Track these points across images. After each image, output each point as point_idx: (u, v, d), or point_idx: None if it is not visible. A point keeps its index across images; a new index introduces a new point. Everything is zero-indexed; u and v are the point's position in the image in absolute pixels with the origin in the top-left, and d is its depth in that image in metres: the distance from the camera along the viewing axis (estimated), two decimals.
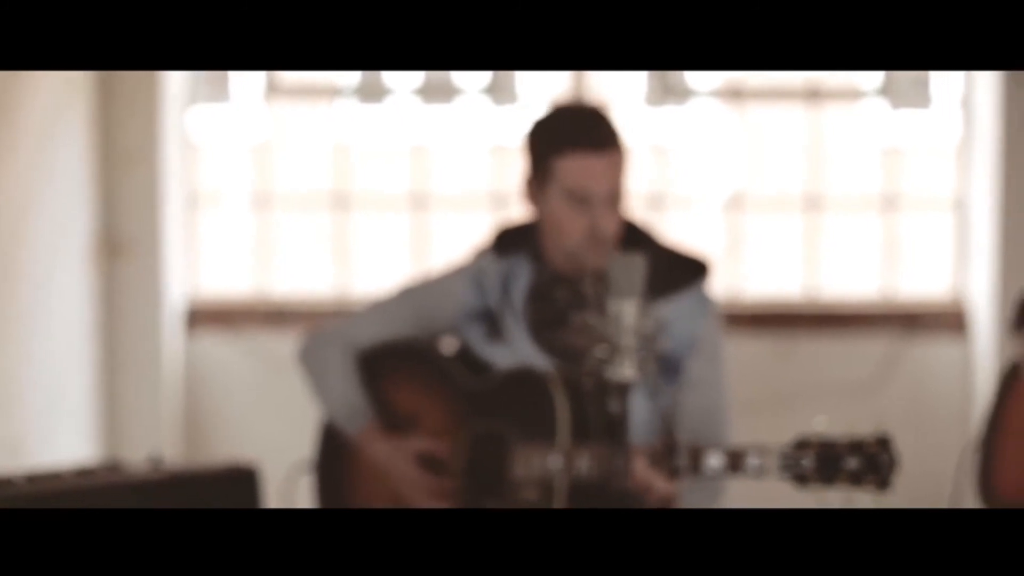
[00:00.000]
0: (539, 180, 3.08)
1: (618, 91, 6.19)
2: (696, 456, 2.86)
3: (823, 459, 2.77)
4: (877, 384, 5.77)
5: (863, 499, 2.85)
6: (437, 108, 6.15)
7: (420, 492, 3.11)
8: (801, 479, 2.78)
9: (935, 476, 5.21)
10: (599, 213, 3.03)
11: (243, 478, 3.29)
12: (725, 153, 6.13)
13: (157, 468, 3.30)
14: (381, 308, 3.22)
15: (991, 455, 3.85)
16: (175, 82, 5.72)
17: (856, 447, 2.78)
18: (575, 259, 3.09)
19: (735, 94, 6.10)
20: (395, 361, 3.18)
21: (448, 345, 3.21)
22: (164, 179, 5.66)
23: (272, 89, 6.07)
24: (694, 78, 6.21)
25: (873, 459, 2.78)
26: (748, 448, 2.84)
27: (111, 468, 3.33)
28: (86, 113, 5.42)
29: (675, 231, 5.88)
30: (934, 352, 5.78)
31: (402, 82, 6.13)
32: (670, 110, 6.22)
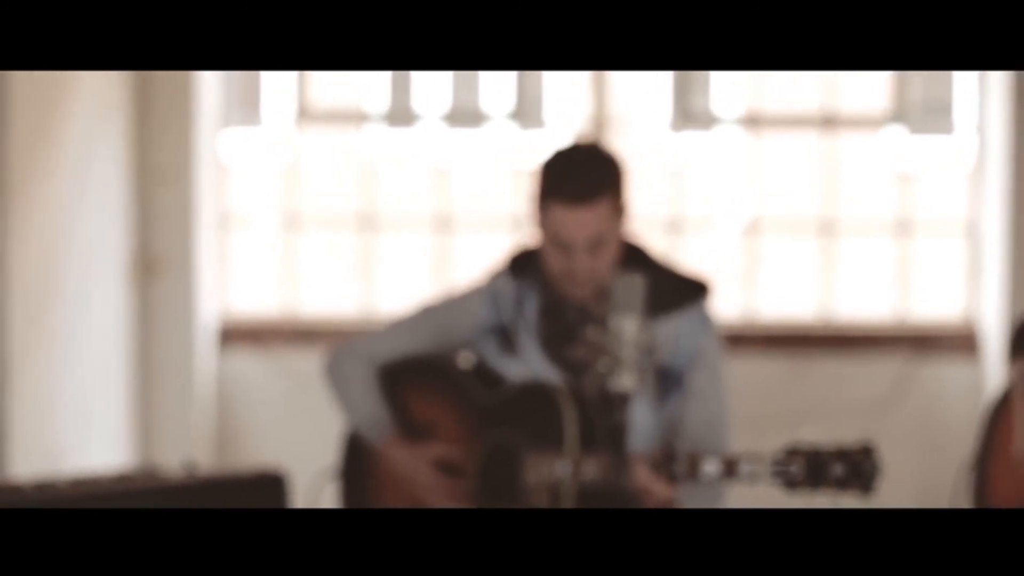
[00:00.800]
0: (537, 219, 3.35)
1: (640, 116, 6.43)
2: (694, 462, 3.10)
3: (811, 466, 3.02)
4: (889, 404, 5.99)
5: (848, 504, 3.08)
6: (463, 132, 6.40)
7: (438, 497, 3.36)
8: (790, 484, 3.03)
9: (945, 495, 5.42)
10: (577, 258, 3.30)
11: (272, 484, 3.54)
12: (743, 178, 6.37)
13: (191, 474, 3.55)
14: (401, 325, 3.48)
15: (984, 475, 4.05)
16: (208, 104, 5.99)
17: (842, 455, 3.03)
18: (570, 291, 3.35)
19: (754, 121, 6.34)
20: (415, 375, 3.44)
21: (464, 360, 3.46)
22: (197, 200, 5.93)
23: (303, 113, 6.33)
24: (716, 105, 6.44)
25: (857, 466, 3.02)
26: (742, 455, 3.09)
27: (148, 473, 3.58)
28: (122, 135, 5.69)
29: (693, 254, 6.12)
30: (946, 374, 5.98)
31: (430, 107, 6.39)
32: (691, 136, 6.45)
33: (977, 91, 6.13)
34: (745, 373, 5.79)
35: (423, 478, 3.36)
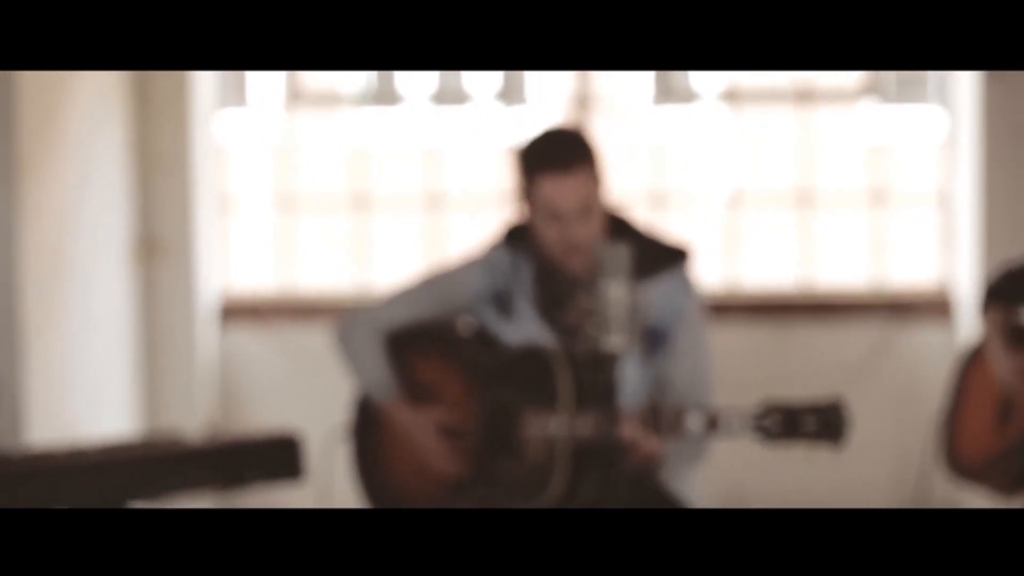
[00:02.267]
0: (525, 196, 3.71)
1: (622, 93, 6.77)
2: (679, 417, 3.47)
3: (785, 420, 3.39)
4: (868, 368, 6.35)
5: (821, 454, 3.45)
6: (450, 112, 6.72)
7: (441, 455, 3.72)
8: (767, 437, 3.39)
9: (919, 452, 5.77)
10: (570, 225, 3.64)
11: (287, 446, 3.89)
12: (724, 153, 6.71)
13: (212, 438, 3.90)
14: (405, 295, 3.83)
15: (953, 428, 4.42)
16: (204, 90, 6.32)
17: (813, 410, 3.40)
18: (560, 259, 3.70)
19: (733, 96, 6.68)
20: (418, 341, 3.79)
21: (465, 326, 3.82)
22: (196, 183, 6.27)
23: (293, 96, 6.66)
24: (696, 81, 6.77)
25: (828, 420, 3.39)
26: (722, 410, 3.45)
27: (170, 438, 3.93)
28: (122, 123, 6.02)
29: (676, 226, 6.47)
30: (921, 338, 6.33)
31: (415, 88, 6.71)
32: (672, 111, 6.79)
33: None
34: (728, 340, 6.15)
35: (427, 438, 3.72)
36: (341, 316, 3.91)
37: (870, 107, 6.64)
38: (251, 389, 6.32)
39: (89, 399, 5.65)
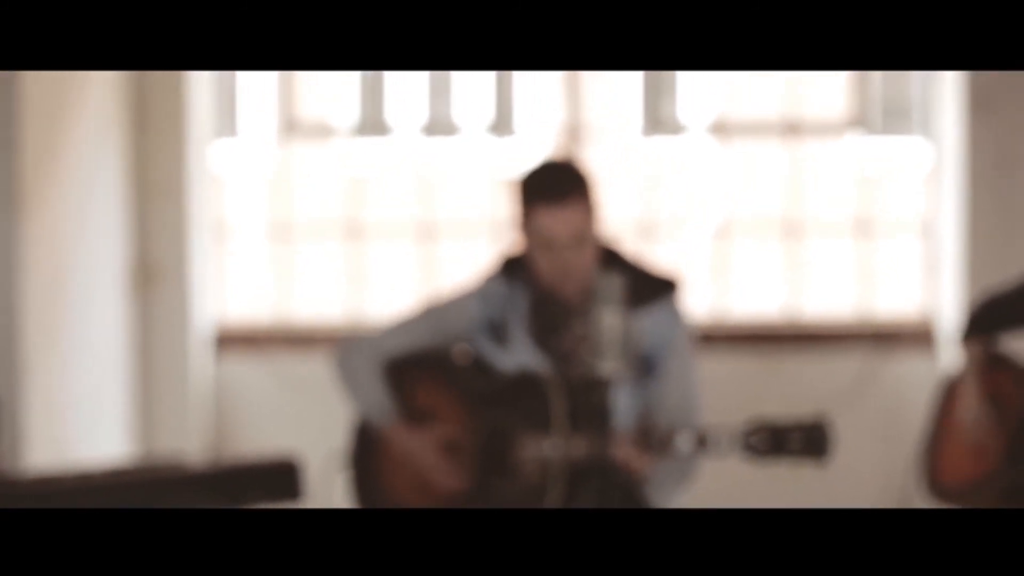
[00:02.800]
0: (522, 225, 3.87)
1: (611, 124, 6.93)
2: (669, 437, 3.62)
3: (772, 438, 3.54)
4: (853, 396, 6.50)
5: (807, 479, 3.60)
6: (440, 142, 6.88)
7: (440, 476, 3.86)
8: (754, 454, 3.54)
9: (902, 476, 5.92)
10: (565, 254, 3.80)
11: (286, 468, 4.01)
12: (712, 183, 6.87)
13: (212, 461, 4.02)
14: (404, 323, 3.98)
15: (935, 452, 4.57)
16: (199, 119, 6.47)
17: (798, 427, 3.55)
18: (556, 288, 3.85)
19: (721, 128, 6.84)
20: (417, 368, 3.93)
21: (461, 353, 3.96)
22: (192, 211, 6.42)
23: (286, 126, 6.81)
24: (684, 112, 6.93)
25: (812, 437, 3.55)
26: (711, 429, 3.61)
27: (172, 462, 4.05)
28: (120, 153, 6.17)
29: (665, 256, 6.63)
30: (905, 367, 6.48)
31: (406, 119, 6.86)
32: (661, 143, 6.95)
33: (933, 95, 6.63)
34: (716, 369, 6.29)
35: (427, 460, 3.86)
36: (340, 343, 4.05)
37: (856, 139, 6.81)
38: (246, 416, 6.45)
39: (86, 424, 5.78)
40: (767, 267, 6.81)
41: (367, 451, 3.96)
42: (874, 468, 6.26)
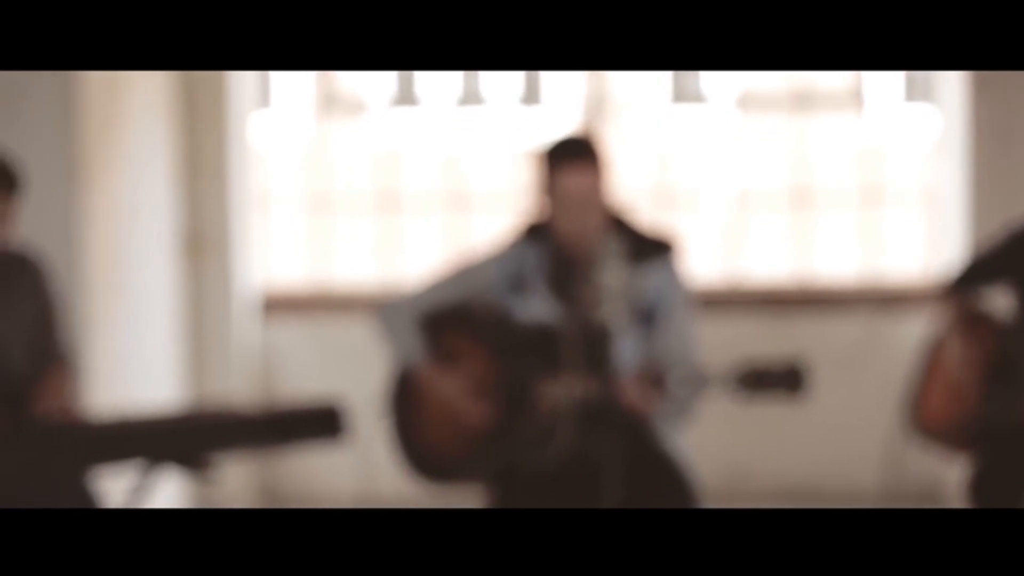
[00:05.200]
0: (545, 189, 4.57)
1: (636, 95, 7.56)
2: (668, 376, 4.35)
3: (755, 376, 4.29)
4: (860, 356, 7.14)
5: (781, 404, 4.31)
6: (470, 115, 7.53)
7: (466, 415, 4.54)
8: (740, 391, 4.28)
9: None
10: (580, 213, 4.51)
11: (329, 413, 4.66)
12: (730, 153, 7.51)
13: (261, 406, 4.69)
14: (438, 282, 4.68)
15: (920, 400, 5.22)
16: (241, 96, 7.15)
17: (777, 367, 4.28)
18: (573, 243, 4.55)
19: (740, 100, 7.47)
20: (448, 320, 4.64)
21: (487, 306, 4.65)
22: (235, 184, 7.11)
23: (324, 99, 7.48)
24: (706, 85, 7.57)
25: (789, 375, 4.28)
26: (704, 370, 4.31)
27: (225, 408, 4.70)
28: (170, 129, 6.86)
29: (682, 223, 7.27)
30: (910, 329, 7.10)
31: (437, 91, 7.51)
32: (683, 114, 7.59)
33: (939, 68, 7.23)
34: (729, 331, 6.94)
35: (455, 400, 4.55)
36: (382, 303, 4.75)
37: (863, 109, 7.43)
38: (289, 375, 7.16)
39: (141, 379, 6.48)
40: (778, 234, 7.45)
41: (404, 394, 4.65)
42: (878, 423, 6.88)
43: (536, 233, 4.64)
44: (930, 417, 5.18)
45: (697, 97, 7.54)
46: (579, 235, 4.52)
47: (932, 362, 5.21)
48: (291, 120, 7.48)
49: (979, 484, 4.97)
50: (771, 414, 7.09)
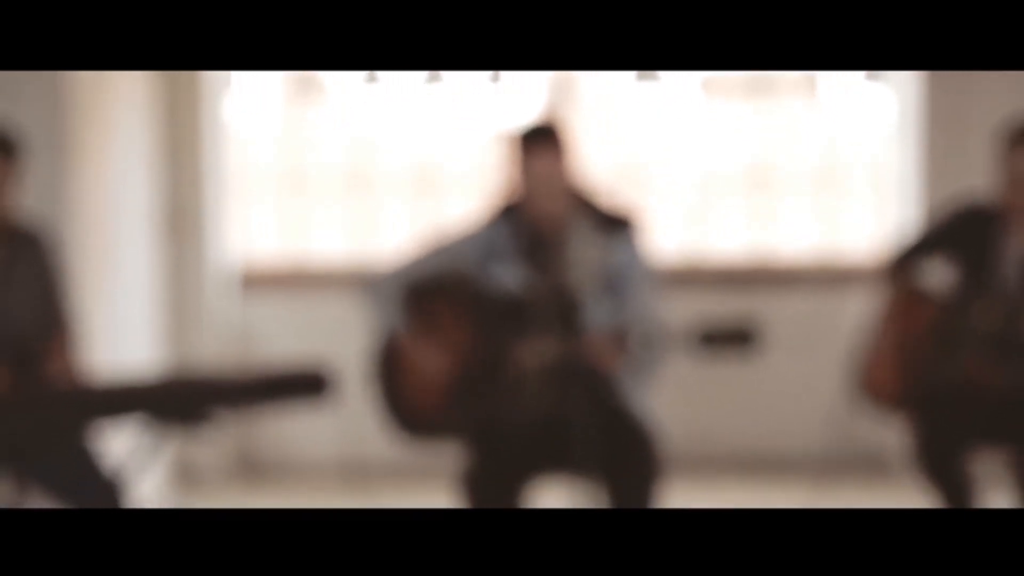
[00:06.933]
0: (517, 169, 5.14)
1: (600, 77, 8.04)
2: (631, 337, 4.91)
3: (706, 334, 4.91)
4: (814, 331, 7.66)
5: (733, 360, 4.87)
6: (436, 93, 8.00)
7: (443, 377, 5.05)
8: (694, 347, 4.86)
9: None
10: (549, 190, 5.08)
11: (313, 376, 5.12)
12: (692, 135, 8.01)
13: (248, 371, 5.16)
14: (418, 258, 5.19)
15: (866, 369, 5.74)
16: (217, 78, 7.63)
17: (726, 325, 4.92)
18: (542, 221, 5.10)
19: (704, 84, 7.97)
20: (428, 291, 5.17)
21: (466, 276, 5.15)
22: (214, 163, 7.59)
23: (296, 79, 7.95)
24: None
25: (738, 333, 4.92)
26: (664, 330, 4.92)
27: (209, 373, 5.17)
28: (150, 112, 7.34)
29: (646, 201, 7.77)
30: (862, 304, 7.60)
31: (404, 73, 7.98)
32: (646, 96, 8.07)
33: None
34: (691, 305, 7.45)
35: (432, 363, 5.06)
36: (367, 277, 5.28)
37: (820, 93, 7.94)
38: (264, 343, 7.65)
39: (123, 355, 6.95)
40: (738, 213, 7.96)
41: (389, 359, 5.18)
42: (826, 390, 7.37)
43: (509, 212, 5.19)
44: (876, 382, 5.70)
45: (661, 80, 8.03)
46: (548, 213, 5.09)
47: (879, 331, 5.73)
48: (264, 101, 7.95)
49: (921, 443, 5.49)
50: (730, 382, 7.63)
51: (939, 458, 5.47)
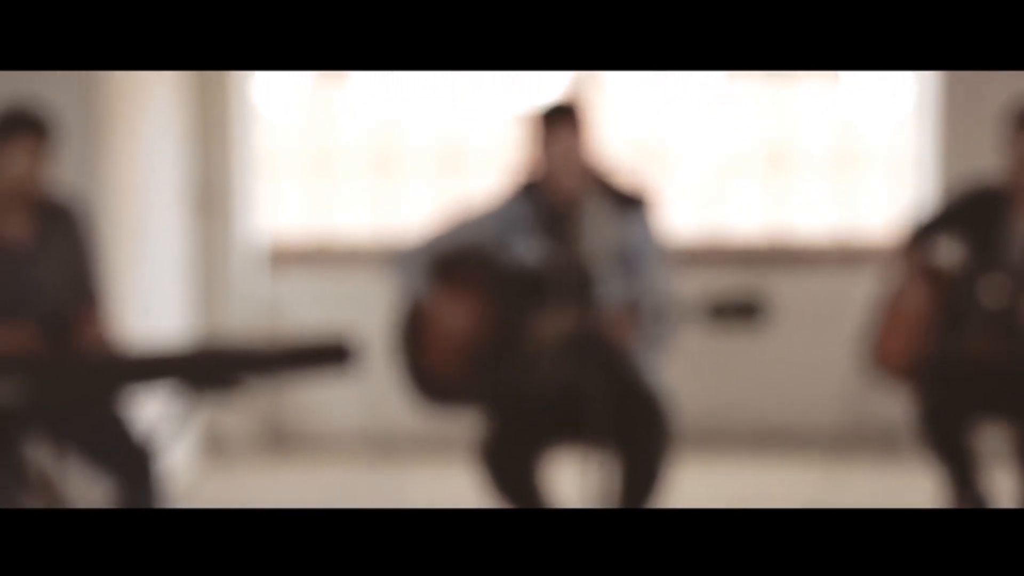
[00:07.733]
0: (538, 147, 5.37)
1: None
2: (644, 311, 5.14)
3: (716, 306, 5.11)
4: (829, 310, 7.86)
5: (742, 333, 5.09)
6: (463, 80, 8.21)
7: (467, 345, 5.30)
8: (705, 319, 5.07)
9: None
10: (568, 168, 5.32)
11: (337, 347, 5.33)
12: (711, 116, 8.21)
13: (275, 341, 5.38)
14: (444, 231, 5.44)
15: (878, 339, 5.95)
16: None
17: (735, 297, 5.12)
18: (561, 197, 5.34)
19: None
20: (455, 263, 5.41)
21: (488, 249, 5.40)
22: (243, 143, 7.84)
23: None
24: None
25: (746, 305, 5.12)
26: (676, 304, 5.14)
27: (243, 343, 5.39)
28: (181, 95, 7.58)
29: (665, 181, 7.98)
30: (877, 283, 7.80)
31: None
32: (667, 78, 8.28)
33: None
34: (708, 284, 7.64)
35: (459, 329, 5.31)
36: (394, 250, 5.55)
37: (839, 76, 8.13)
38: (291, 318, 7.90)
39: (154, 329, 7.19)
40: (755, 194, 8.16)
41: (413, 327, 5.43)
42: (840, 368, 7.57)
43: (529, 188, 5.42)
44: (886, 354, 5.91)
45: None
46: (566, 190, 5.33)
47: (891, 307, 5.94)
48: (292, 83, 8.19)
49: (926, 415, 5.70)
50: (746, 360, 7.84)
51: (943, 431, 5.67)
